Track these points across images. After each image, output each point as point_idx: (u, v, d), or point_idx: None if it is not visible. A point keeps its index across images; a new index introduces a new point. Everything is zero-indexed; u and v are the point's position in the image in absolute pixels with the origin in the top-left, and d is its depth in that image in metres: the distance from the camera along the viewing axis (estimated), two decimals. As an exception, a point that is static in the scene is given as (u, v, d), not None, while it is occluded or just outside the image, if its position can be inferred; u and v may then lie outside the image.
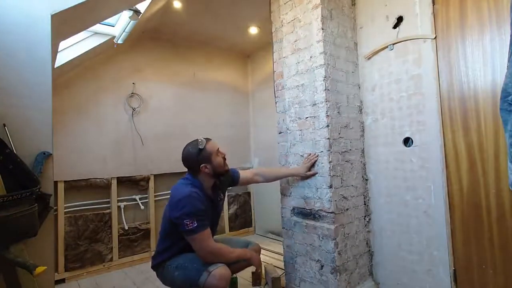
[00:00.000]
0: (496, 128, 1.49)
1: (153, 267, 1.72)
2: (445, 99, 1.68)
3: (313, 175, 1.87)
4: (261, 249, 2.03)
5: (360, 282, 1.91)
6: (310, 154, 1.89)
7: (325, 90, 1.82)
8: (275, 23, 2.23)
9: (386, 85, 1.92)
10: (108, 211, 2.88)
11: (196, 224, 1.49)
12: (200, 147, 1.63)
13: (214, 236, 1.83)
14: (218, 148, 1.70)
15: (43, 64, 1.45)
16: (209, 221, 1.61)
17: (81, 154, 2.77)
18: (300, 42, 1.99)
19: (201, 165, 1.63)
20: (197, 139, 1.66)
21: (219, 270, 1.49)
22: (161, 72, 3.32)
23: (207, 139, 1.68)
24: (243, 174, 1.97)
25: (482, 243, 1.56)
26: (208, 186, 1.70)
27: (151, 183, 3.13)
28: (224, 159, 1.71)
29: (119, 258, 2.88)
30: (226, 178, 1.88)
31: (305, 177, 1.92)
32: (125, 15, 2.37)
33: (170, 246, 1.65)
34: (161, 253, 1.68)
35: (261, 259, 1.92)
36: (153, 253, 1.75)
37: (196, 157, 1.63)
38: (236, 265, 1.70)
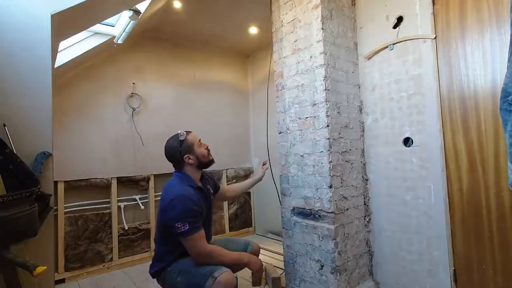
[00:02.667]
0: (496, 128, 1.49)
1: (153, 275, 1.65)
2: (445, 99, 1.68)
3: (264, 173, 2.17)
4: (262, 249, 2.02)
5: (360, 282, 1.91)
6: (264, 164, 2.21)
7: (325, 90, 1.82)
8: (275, 23, 2.23)
9: (386, 85, 1.92)
10: (108, 211, 2.88)
11: (187, 227, 1.46)
12: (181, 138, 1.65)
13: (214, 237, 1.82)
14: (200, 140, 1.72)
15: (43, 64, 1.45)
16: (202, 220, 1.57)
17: (81, 154, 2.77)
18: (300, 42, 1.99)
19: (184, 156, 1.64)
20: (177, 133, 1.68)
21: (225, 276, 1.44)
22: (161, 72, 3.32)
23: (188, 132, 1.70)
24: (222, 187, 2.04)
25: (482, 243, 1.56)
26: (196, 178, 1.70)
27: (151, 183, 3.13)
28: (208, 150, 1.73)
29: (119, 258, 2.88)
30: (213, 178, 1.92)
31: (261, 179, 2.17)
32: (125, 15, 2.37)
33: (169, 251, 1.60)
34: (160, 259, 1.62)
35: (262, 259, 1.91)
36: (153, 253, 1.73)
37: (178, 148, 1.64)
38: (234, 267, 1.67)
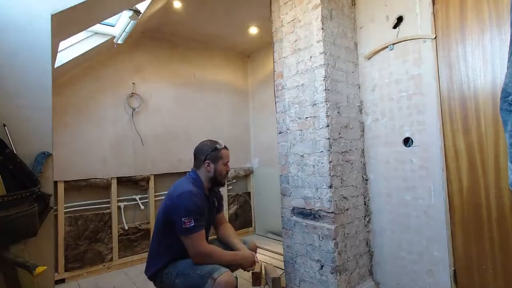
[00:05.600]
0: (496, 128, 1.49)
1: (150, 278, 1.63)
2: (445, 99, 1.68)
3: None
4: (261, 249, 2.01)
5: (360, 282, 1.91)
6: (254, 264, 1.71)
7: (325, 90, 1.82)
8: (275, 23, 2.23)
9: (386, 85, 1.92)
10: (108, 211, 2.88)
11: (193, 224, 1.47)
12: (218, 146, 1.70)
13: (214, 237, 1.81)
14: (228, 162, 1.74)
15: (43, 64, 1.45)
16: (205, 222, 1.59)
17: (81, 154, 2.77)
18: (300, 42, 1.99)
19: (206, 161, 1.67)
20: (218, 140, 1.74)
21: (224, 277, 1.41)
22: (161, 72, 3.32)
23: (226, 148, 1.74)
24: (221, 216, 1.90)
25: (482, 243, 1.56)
26: (206, 187, 1.70)
27: (151, 183, 3.13)
28: (227, 172, 1.74)
29: (119, 258, 2.88)
30: (221, 199, 1.90)
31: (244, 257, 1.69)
32: (125, 15, 2.37)
33: (167, 251, 1.59)
34: (156, 261, 1.60)
35: (261, 259, 1.91)
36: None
37: (208, 151, 1.68)
38: (232, 266, 1.67)
